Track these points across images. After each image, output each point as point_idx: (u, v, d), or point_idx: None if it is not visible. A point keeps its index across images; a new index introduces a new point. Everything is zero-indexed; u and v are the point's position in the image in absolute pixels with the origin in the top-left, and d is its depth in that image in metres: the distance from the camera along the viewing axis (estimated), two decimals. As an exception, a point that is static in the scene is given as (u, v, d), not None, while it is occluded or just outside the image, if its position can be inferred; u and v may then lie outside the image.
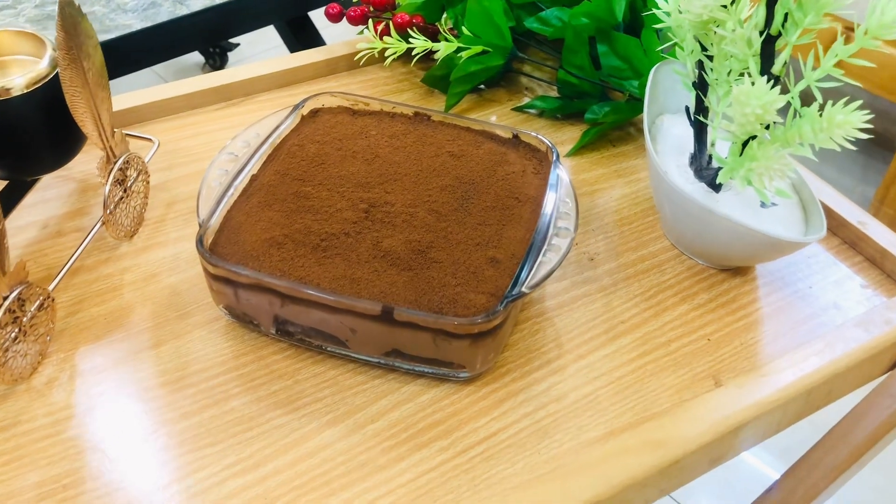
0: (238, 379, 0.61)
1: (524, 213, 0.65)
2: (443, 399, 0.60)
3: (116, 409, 0.58)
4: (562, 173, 0.69)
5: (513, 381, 0.62)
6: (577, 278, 0.71)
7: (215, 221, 0.63)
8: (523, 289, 0.58)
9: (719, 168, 0.68)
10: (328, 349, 0.62)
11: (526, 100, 0.93)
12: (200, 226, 0.61)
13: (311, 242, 0.61)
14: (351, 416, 0.59)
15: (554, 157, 0.70)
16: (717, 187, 0.70)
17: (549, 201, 0.65)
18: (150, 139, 0.78)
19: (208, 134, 0.85)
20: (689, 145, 0.74)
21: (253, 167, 0.68)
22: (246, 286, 0.59)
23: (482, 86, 0.95)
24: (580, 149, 0.86)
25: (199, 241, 0.60)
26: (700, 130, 0.71)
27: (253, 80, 0.89)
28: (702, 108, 0.70)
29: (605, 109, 0.85)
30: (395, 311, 0.55)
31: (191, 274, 0.69)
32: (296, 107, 0.74)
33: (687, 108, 0.73)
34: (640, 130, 0.89)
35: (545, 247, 0.61)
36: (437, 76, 0.91)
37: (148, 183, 0.74)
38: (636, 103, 0.86)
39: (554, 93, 0.93)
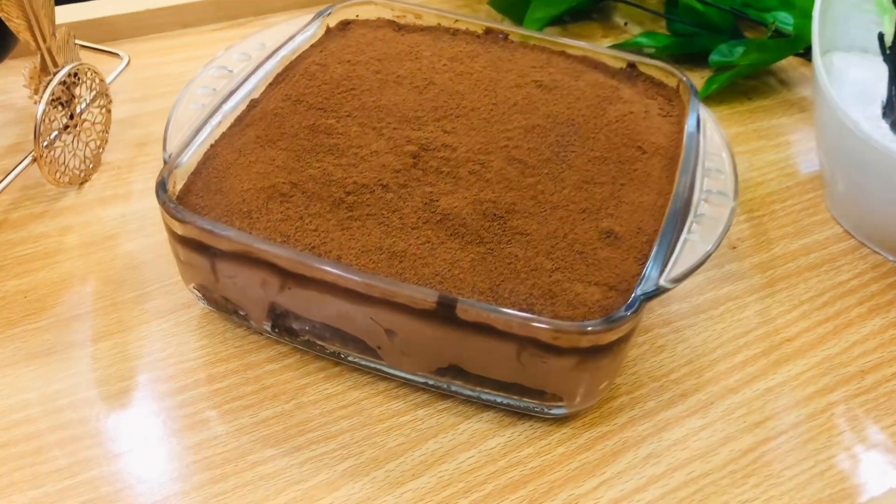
0: (211, 397, 0.42)
1: (652, 170, 0.45)
2: (523, 446, 0.40)
3: (19, 436, 0.40)
4: (705, 116, 0.48)
5: (630, 423, 0.42)
6: (716, 273, 0.51)
7: (190, 158, 0.44)
8: (663, 282, 0.38)
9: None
10: (350, 359, 0.42)
11: (626, 36, 0.72)
12: (166, 162, 0.42)
13: (330, 196, 0.42)
14: (380, 465, 0.39)
15: (691, 95, 0.50)
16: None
17: (690, 154, 0.45)
18: (116, 54, 0.59)
19: (201, 59, 0.65)
20: (877, 91, 0.54)
21: (253, 89, 0.49)
22: (229, 256, 0.40)
23: (566, 17, 0.75)
24: (703, 101, 0.65)
25: (162, 185, 0.41)
26: (908, 64, 0.51)
27: (266, -7, 0.70)
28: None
29: (738, 49, 0.65)
30: (460, 304, 0.36)
31: (158, 240, 0.50)
32: (319, 14, 0.55)
33: (880, 37, 0.53)
34: (782, 81, 0.69)
35: (691, 218, 0.41)
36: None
37: (109, 112, 0.55)
38: (783, 42, 0.66)
39: (664, 28, 0.73)
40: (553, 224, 0.42)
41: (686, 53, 0.70)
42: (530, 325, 0.36)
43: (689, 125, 0.48)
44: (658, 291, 0.38)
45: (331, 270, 0.37)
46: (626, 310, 0.36)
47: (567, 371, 0.38)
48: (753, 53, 0.65)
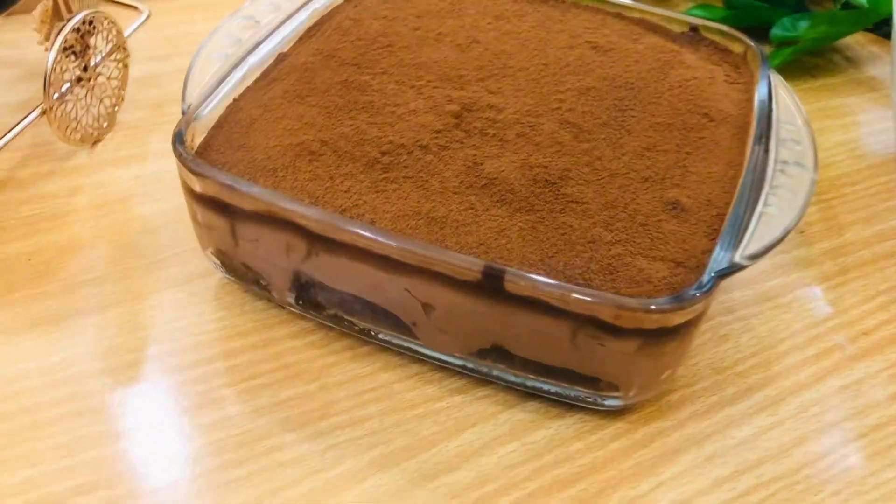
0: (227, 374, 0.38)
1: (720, 138, 0.41)
2: (572, 441, 0.36)
3: (15, 409, 0.36)
4: (777, 83, 0.44)
5: (692, 418, 0.38)
6: (783, 258, 0.47)
7: (211, 111, 0.40)
8: (738, 259, 0.33)
9: None
10: (381, 337, 0.38)
11: (679, 9, 0.68)
12: (184, 113, 0.39)
13: (364, 156, 0.38)
14: (412, 455, 0.35)
15: (761, 62, 0.45)
16: None
17: (763, 122, 0.41)
18: (136, 7, 0.55)
19: (227, 19, 0.62)
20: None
21: (281, 42, 0.45)
22: (251, 217, 0.36)
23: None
24: (764, 76, 0.61)
25: (179, 137, 0.37)
26: None
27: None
28: None
29: (802, 23, 0.60)
30: (508, 274, 0.32)
31: (174, 204, 0.46)
32: (355, -33, 0.51)
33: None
34: (849, 59, 0.64)
35: (766, 190, 0.37)
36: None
37: (126, 68, 0.51)
38: (855, 14, 0.61)
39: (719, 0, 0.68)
40: (612, 193, 0.37)
41: (744, 27, 0.65)
42: (589, 301, 0.32)
43: (761, 92, 0.44)
44: (733, 269, 0.33)
45: (363, 234, 0.33)
46: (699, 288, 0.32)
47: (627, 356, 0.33)
48: (822, 26, 0.60)
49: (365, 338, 0.39)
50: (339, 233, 0.34)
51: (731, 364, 0.40)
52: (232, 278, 0.41)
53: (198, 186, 0.36)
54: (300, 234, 0.35)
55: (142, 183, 0.48)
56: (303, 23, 0.47)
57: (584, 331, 0.33)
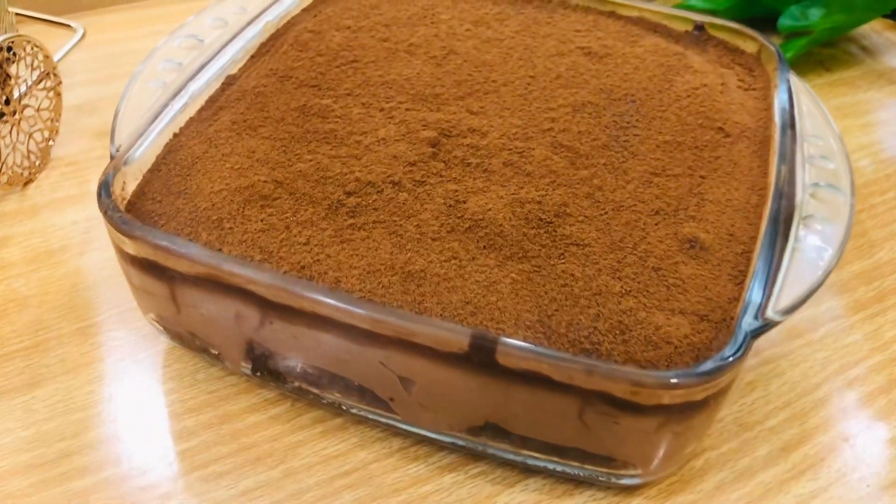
0: (178, 461, 0.33)
1: (739, 157, 0.36)
2: (584, 525, 0.31)
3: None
4: (798, 88, 0.39)
5: (720, 489, 0.33)
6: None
7: (146, 151, 0.34)
8: (772, 312, 0.28)
9: None
10: (354, 411, 0.33)
11: (673, 1, 0.63)
12: (113, 157, 0.33)
13: (326, 198, 0.32)
14: (396, 555, 0.30)
15: (778, 63, 0.40)
16: None
17: (786, 136, 0.36)
18: (68, 26, 0.49)
19: (177, 33, 0.56)
20: None
21: (229, 62, 0.40)
22: (192, 281, 0.30)
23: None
24: (773, 72, 0.55)
25: (105, 188, 0.31)
26: None
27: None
28: None
29: (813, 11, 0.55)
30: (501, 346, 0.26)
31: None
32: (313, -29, 0.46)
33: None
34: (865, 48, 0.59)
35: (796, 221, 0.32)
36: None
37: (59, 96, 0.45)
38: (871, 0, 0.55)
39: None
40: (618, 230, 0.32)
41: (750, 17, 0.60)
42: (599, 377, 0.26)
43: (780, 99, 0.39)
44: (768, 326, 0.28)
45: (325, 301, 0.28)
46: (730, 353, 0.27)
47: (646, 434, 0.28)
48: (837, 14, 0.55)
49: (336, 410, 0.34)
50: (296, 299, 0.29)
51: (762, 418, 0.35)
52: (179, 345, 0.36)
53: (129, 248, 0.31)
54: (251, 300, 0.30)
55: (80, 229, 0.43)
56: (254, 39, 0.41)
57: (595, 408, 0.28)
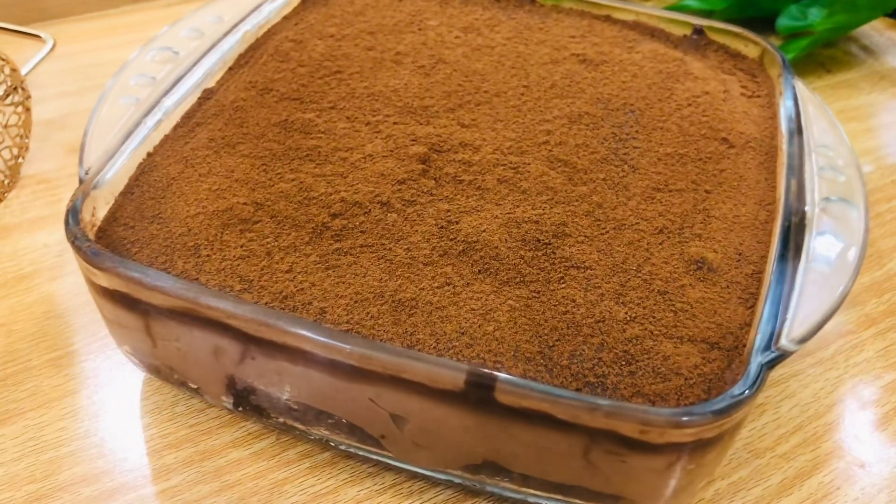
0: (157, 501, 0.31)
1: (745, 170, 0.34)
2: (590, 566, 0.29)
3: None
4: (805, 94, 0.37)
5: (734, 523, 0.31)
6: (819, 299, 0.40)
7: (117, 173, 0.32)
8: (786, 341, 0.26)
9: None
10: (343, 447, 0.31)
11: (672, 0, 0.61)
12: (82, 181, 0.31)
13: (310, 220, 0.30)
14: None
15: (783, 68, 0.39)
16: None
17: (794, 146, 0.34)
18: (38, 36, 0.47)
19: (154, 41, 0.54)
20: None
21: (206, 75, 0.38)
22: (167, 314, 0.28)
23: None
24: (772, 74, 0.54)
25: (73, 214, 0.29)
26: None
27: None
28: None
29: (813, 11, 0.54)
30: (500, 384, 0.25)
31: (90, 277, 0.39)
32: (294, -23, 0.44)
33: None
34: (866, 48, 0.58)
35: (809, 238, 0.30)
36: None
37: (29, 111, 0.43)
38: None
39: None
40: (620, 251, 0.30)
41: (748, 17, 0.58)
42: (606, 415, 0.25)
43: (786, 107, 0.37)
44: (782, 357, 0.26)
45: (309, 336, 0.26)
46: (745, 389, 0.25)
47: (655, 472, 0.26)
48: (839, 14, 0.53)
49: (324, 446, 0.32)
50: (278, 334, 0.27)
51: (773, 443, 0.34)
52: (156, 378, 0.34)
53: (100, 279, 0.29)
54: (230, 334, 0.28)
55: (52, 252, 0.41)
56: (231, 50, 0.40)
57: (601, 446, 0.26)
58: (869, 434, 0.34)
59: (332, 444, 0.31)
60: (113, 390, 0.35)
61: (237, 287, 0.29)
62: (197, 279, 0.29)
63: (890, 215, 0.45)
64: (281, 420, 0.31)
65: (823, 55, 0.56)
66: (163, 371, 0.32)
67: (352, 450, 0.31)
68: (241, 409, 0.31)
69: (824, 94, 0.53)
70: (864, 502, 0.32)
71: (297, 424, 0.31)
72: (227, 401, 0.31)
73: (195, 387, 0.32)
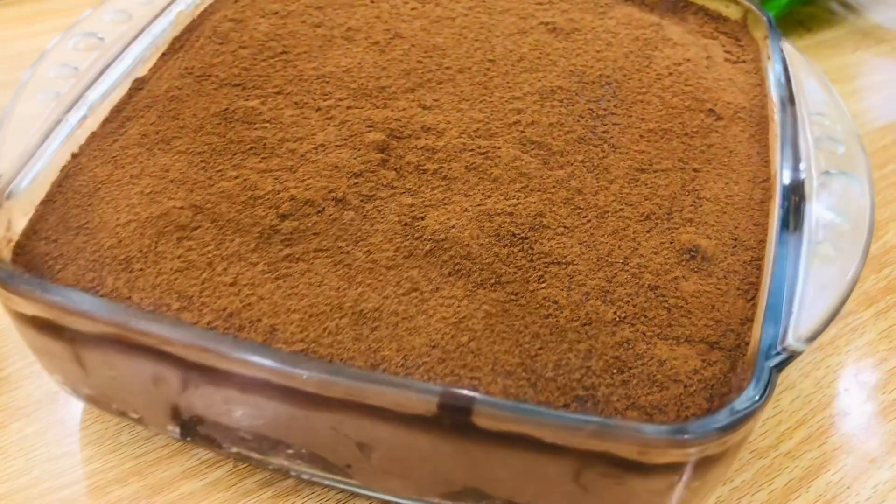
0: (98, 548, 0.27)
1: (735, 144, 0.31)
2: None
3: None
4: (795, 58, 0.34)
5: (740, 534, 0.28)
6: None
7: (36, 179, 0.29)
8: (793, 339, 0.24)
9: None
10: (306, 476, 0.28)
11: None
12: (-8, 190, 0.28)
13: (257, 223, 0.27)
14: None
15: (769, 30, 0.36)
16: None
17: (786, 116, 0.31)
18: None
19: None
20: None
21: (136, 62, 0.34)
22: (98, 342, 0.25)
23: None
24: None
25: (-17, 229, 0.26)
26: None
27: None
28: None
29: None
30: (478, 407, 0.22)
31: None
32: (231, -51, 0.40)
33: None
34: (847, 4, 0.55)
35: (810, 217, 0.27)
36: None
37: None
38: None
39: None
40: (605, 243, 0.27)
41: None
42: (600, 437, 0.22)
43: (775, 72, 0.34)
44: (793, 355, 0.24)
45: (258, 361, 0.23)
46: (755, 397, 0.22)
47: (656, 494, 0.24)
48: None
49: (285, 474, 0.29)
50: (222, 360, 0.23)
51: (776, 441, 0.31)
52: (94, 407, 0.30)
53: (18, 305, 0.25)
54: (169, 361, 0.24)
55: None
56: (164, 33, 0.36)
57: (594, 469, 0.23)
58: (878, 424, 0.32)
59: (293, 474, 0.28)
60: (49, 419, 0.31)
61: (175, 305, 0.25)
62: (129, 298, 0.26)
63: (883, 183, 0.42)
64: (235, 450, 0.28)
65: (803, 13, 0.54)
66: (100, 401, 0.29)
67: (315, 479, 0.28)
68: (189, 439, 0.28)
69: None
70: (878, 501, 0.29)
71: (252, 454, 0.27)
72: (174, 430, 0.28)
73: (137, 416, 0.28)
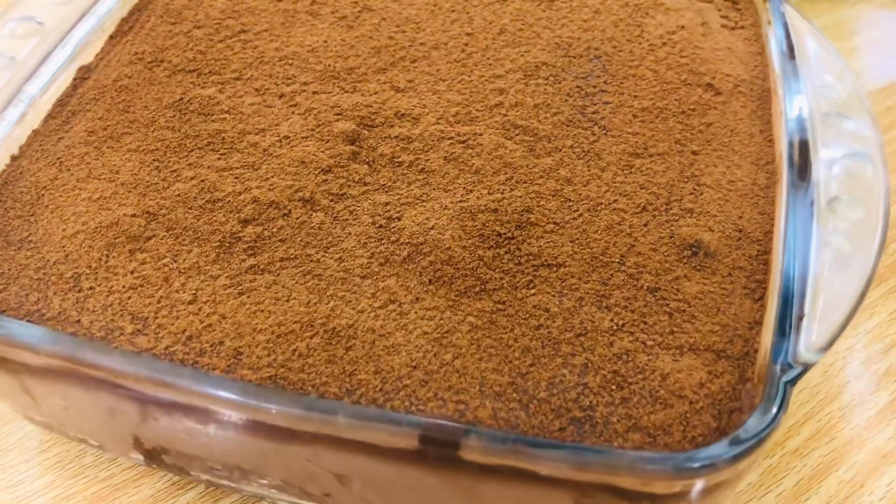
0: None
1: (736, 122, 0.29)
2: None
3: None
4: (798, 23, 0.32)
5: (748, 543, 0.27)
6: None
7: (-31, 189, 0.26)
8: (804, 349, 0.22)
9: None
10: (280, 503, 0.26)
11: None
12: (-80, 205, 0.25)
13: (216, 230, 0.25)
14: None
15: (767, -10, 0.33)
16: None
17: (791, 88, 0.29)
18: None
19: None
20: None
21: (80, 48, 0.31)
22: (45, 374, 0.23)
23: None
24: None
25: (-90, 251, 0.23)
26: None
27: None
28: None
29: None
30: (466, 442, 0.19)
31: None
32: (182, -85, 0.36)
33: None
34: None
35: (820, 202, 0.25)
36: None
37: None
38: None
39: None
40: (598, 240, 0.25)
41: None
42: (599, 470, 0.20)
43: (777, 39, 0.32)
44: (808, 366, 0.22)
45: (221, 395, 0.21)
46: (767, 420, 0.20)
47: (664, 519, 0.22)
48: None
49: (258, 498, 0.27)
50: (180, 394, 0.21)
51: (783, 437, 0.30)
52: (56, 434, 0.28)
53: (-51, 332, 0.23)
54: (123, 394, 0.22)
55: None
56: (110, 14, 0.33)
57: (594, 500, 0.21)
58: (890, 415, 0.30)
59: (269, 500, 0.26)
60: (4, 445, 0.29)
61: (129, 329, 0.23)
62: (78, 321, 0.23)
63: (889, 148, 0.40)
64: (205, 478, 0.26)
65: (799, -36, 0.51)
66: (56, 428, 0.26)
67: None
68: (154, 466, 0.26)
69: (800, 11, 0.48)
70: (894, 499, 0.28)
71: (222, 482, 0.25)
72: (137, 457, 0.26)
73: (97, 444, 0.26)
